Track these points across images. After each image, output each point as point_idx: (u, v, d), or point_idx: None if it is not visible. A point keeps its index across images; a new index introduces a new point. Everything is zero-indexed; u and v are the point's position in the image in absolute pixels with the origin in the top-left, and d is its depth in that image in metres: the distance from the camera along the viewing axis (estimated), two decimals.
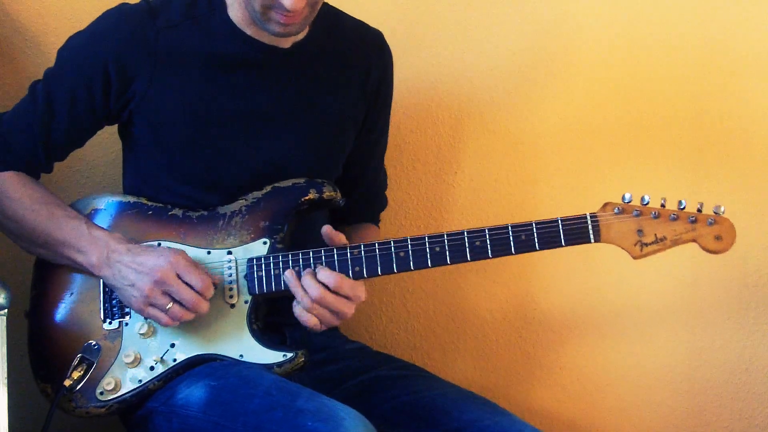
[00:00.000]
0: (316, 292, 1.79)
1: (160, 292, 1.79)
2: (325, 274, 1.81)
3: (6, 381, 1.68)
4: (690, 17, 2.35)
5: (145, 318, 1.84)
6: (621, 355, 2.41)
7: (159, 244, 1.86)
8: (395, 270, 1.83)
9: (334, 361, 2.00)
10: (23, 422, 1.87)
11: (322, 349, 1.99)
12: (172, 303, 1.79)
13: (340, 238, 1.84)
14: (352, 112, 2.00)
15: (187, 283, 1.79)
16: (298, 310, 1.82)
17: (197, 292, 1.79)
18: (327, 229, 1.84)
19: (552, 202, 2.37)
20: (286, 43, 1.92)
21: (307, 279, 1.80)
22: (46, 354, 1.88)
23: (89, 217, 1.90)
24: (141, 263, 1.80)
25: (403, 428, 1.86)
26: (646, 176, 2.36)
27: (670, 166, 2.37)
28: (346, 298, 1.81)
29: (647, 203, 1.80)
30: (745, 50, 2.36)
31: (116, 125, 1.99)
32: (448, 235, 1.82)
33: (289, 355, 1.82)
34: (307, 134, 1.94)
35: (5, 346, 1.69)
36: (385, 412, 1.87)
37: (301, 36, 1.94)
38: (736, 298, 2.40)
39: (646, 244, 1.80)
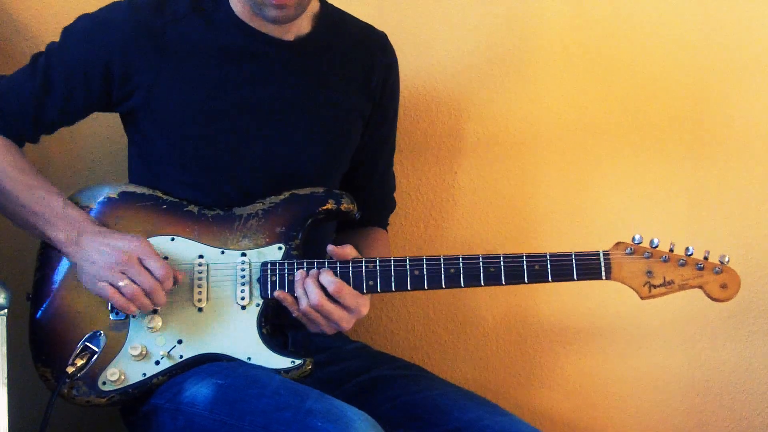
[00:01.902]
0: (315, 297, 1.80)
1: (118, 271, 1.78)
2: (327, 278, 1.81)
3: (6, 381, 1.68)
4: (690, 17, 2.35)
5: (96, 294, 1.82)
6: (621, 355, 2.41)
7: (173, 239, 1.87)
8: (409, 288, 1.84)
9: (335, 361, 2.00)
10: (23, 422, 1.87)
11: (323, 350, 1.99)
12: (127, 280, 1.78)
13: (346, 252, 1.84)
14: (357, 107, 2.01)
15: (148, 270, 1.79)
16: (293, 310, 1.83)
17: (157, 280, 1.78)
18: (331, 248, 1.84)
19: (551, 203, 2.37)
20: (289, 36, 1.93)
21: (309, 282, 1.81)
22: (47, 339, 1.87)
23: (101, 204, 1.89)
24: (107, 244, 1.79)
25: (403, 428, 1.86)
26: (645, 175, 2.36)
27: (669, 164, 2.37)
28: (346, 308, 1.81)
29: (657, 246, 1.85)
30: (744, 50, 2.36)
31: (122, 124, 1.98)
32: (463, 258, 1.83)
33: (298, 362, 1.82)
34: (312, 126, 1.94)
35: (5, 345, 1.69)
36: (386, 411, 1.87)
37: (304, 31, 1.95)
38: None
39: (655, 286, 1.86)
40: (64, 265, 1.89)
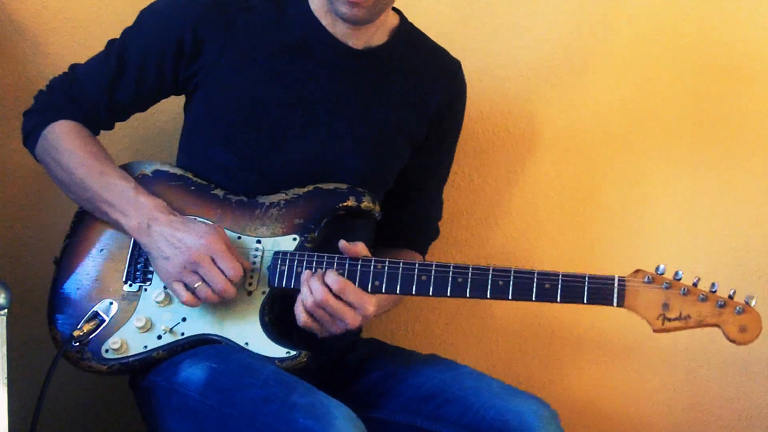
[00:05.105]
0: (320, 294, 1.79)
1: (190, 271, 1.80)
2: (332, 277, 1.80)
3: (6, 381, 1.69)
4: (690, 17, 2.35)
5: (166, 289, 1.85)
6: (621, 354, 2.41)
7: (194, 220, 1.87)
8: (413, 292, 1.82)
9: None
10: (23, 422, 1.87)
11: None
12: (200, 282, 1.80)
13: (357, 249, 1.83)
14: (407, 128, 1.99)
15: (219, 268, 1.80)
16: (298, 309, 1.82)
17: (228, 277, 1.80)
18: (343, 244, 1.84)
19: (552, 203, 2.37)
20: (358, 44, 1.93)
21: (314, 280, 1.80)
22: (64, 302, 1.90)
23: (136, 180, 1.91)
24: (179, 239, 1.81)
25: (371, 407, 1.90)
26: (645, 175, 2.36)
27: (669, 165, 2.36)
28: (350, 305, 1.81)
29: (680, 278, 1.75)
30: (745, 50, 2.36)
31: (183, 108, 2.00)
32: (473, 268, 1.80)
33: (293, 353, 1.83)
34: (357, 138, 1.93)
35: (5, 346, 1.70)
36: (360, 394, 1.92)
37: (376, 42, 1.95)
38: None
39: (669, 320, 1.75)
40: (92, 234, 1.92)
